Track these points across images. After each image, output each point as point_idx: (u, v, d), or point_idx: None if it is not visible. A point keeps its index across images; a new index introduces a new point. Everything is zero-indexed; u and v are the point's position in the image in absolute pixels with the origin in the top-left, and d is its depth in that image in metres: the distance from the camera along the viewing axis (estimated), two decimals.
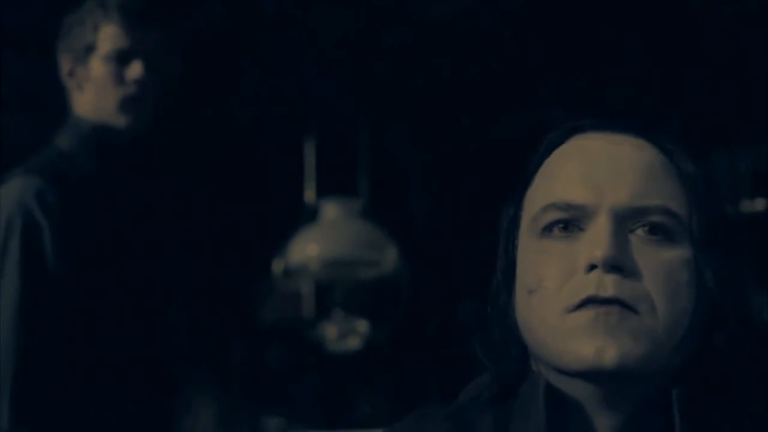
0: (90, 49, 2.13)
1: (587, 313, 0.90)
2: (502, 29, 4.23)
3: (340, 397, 4.44)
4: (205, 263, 3.79)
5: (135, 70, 2.10)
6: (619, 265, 0.90)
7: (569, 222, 0.94)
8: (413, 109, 4.40)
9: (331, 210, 3.56)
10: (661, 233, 0.92)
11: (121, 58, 2.12)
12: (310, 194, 3.68)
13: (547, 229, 0.95)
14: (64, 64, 2.17)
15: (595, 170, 0.95)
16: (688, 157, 0.96)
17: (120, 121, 2.11)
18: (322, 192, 3.69)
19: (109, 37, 2.12)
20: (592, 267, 0.91)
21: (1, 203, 2.04)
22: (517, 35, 4.25)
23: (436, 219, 4.58)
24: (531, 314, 0.95)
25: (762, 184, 3.60)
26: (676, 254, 0.92)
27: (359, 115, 4.03)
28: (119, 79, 2.11)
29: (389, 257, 3.55)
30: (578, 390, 0.93)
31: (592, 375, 0.90)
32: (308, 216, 3.55)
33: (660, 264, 0.91)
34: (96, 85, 2.12)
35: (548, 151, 1.01)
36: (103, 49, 2.12)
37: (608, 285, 0.90)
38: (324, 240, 3.45)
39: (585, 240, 0.93)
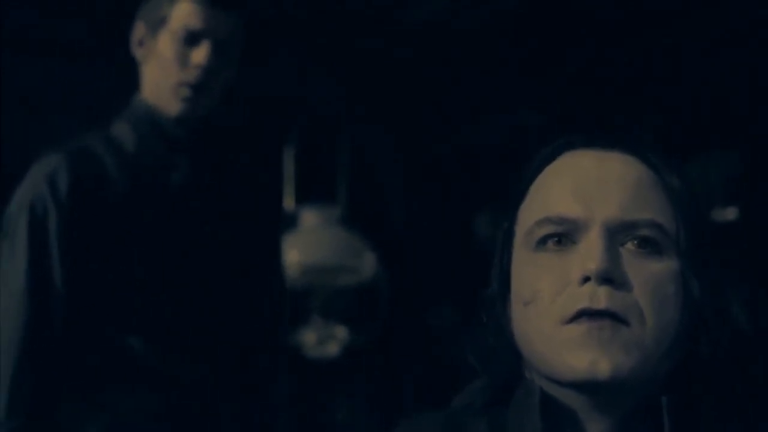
0: (162, 22, 2.00)
1: (581, 327, 0.94)
2: (478, 35, 4.28)
3: (317, 402, 4.47)
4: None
5: (201, 54, 1.97)
6: (611, 277, 0.94)
7: (563, 235, 0.98)
8: (391, 115, 4.44)
9: (310, 217, 3.59)
10: (649, 246, 0.97)
11: (190, 39, 1.98)
12: (289, 201, 3.71)
13: (541, 242, 0.99)
14: (137, 31, 2.05)
15: (586, 186, 0.99)
16: (674, 173, 1.01)
17: (171, 107, 2.00)
18: (302, 199, 3.72)
19: (182, 13, 1.99)
20: (586, 279, 0.95)
21: (23, 181, 1.98)
22: (493, 41, 4.30)
23: (413, 225, 4.61)
24: (527, 325, 0.98)
25: (734, 192, 3.66)
26: (663, 266, 0.96)
27: (338, 123, 4.06)
28: (183, 60, 1.98)
29: (368, 264, 3.59)
30: (571, 398, 0.97)
31: (585, 386, 0.95)
32: (288, 223, 3.57)
33: (649, 276, 0.96)
34: (161, 62, 2.00)
35: (541, 167, 1.05)
36: (173, 25, 1.99)
37: (601, 297, 0.94)
38: (303, 247, 3.48)
39: (578, 253, 0.97)
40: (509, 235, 1.05)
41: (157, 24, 2.00)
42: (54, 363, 1.93)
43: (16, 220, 1.96)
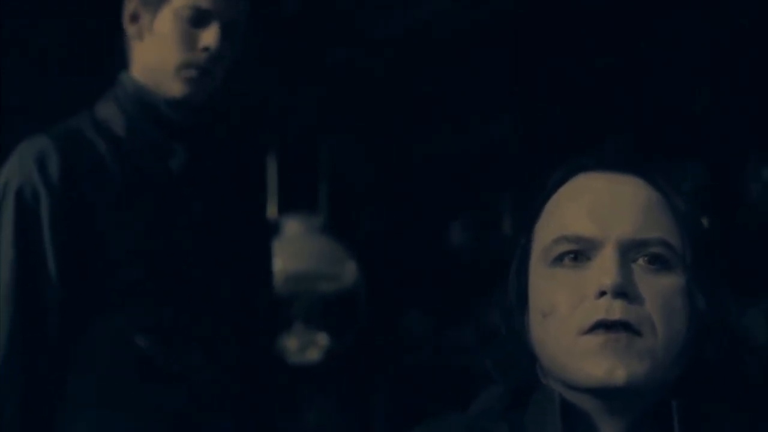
0: None
1: (598, 338, 1.02)
2: (451, 46, 4.36)
3: (292, 407, 4.53)
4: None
5: (210, 36, 1.84)
6: (625, 291, 1.03)
7: (578, 253, 1.06)
8: (367, 125, 4.51)
9: (292, 226, 3.67)
10: (659, 263, 1.05)
11: (197, 19, 1.85)
12: (272, 211, 3.77)
13: (558, 258, 1.07)
14: (130, 4, 1.90)
15: (600, 206, 1.07)
16: (680, 195, 1.10)
17: (174, 88, 1.86)
18: (284, 208, 3.79)
19: None
20: (602, 293, 1.03)
21: (7, 163, 1.85)
22: (466, 52, 4.38)
23: (389, 233, 4.68)
24: (546, 335, 1.07)
25: (704, 202, 3.75)
26: (671, 281, 1.05)
27: (318, 133, 4.14)
28: (189, 42, 1.85)
29: (348, 271, 3.67)
30: (587, 402, 1.06)
31: (601, 391, 1.03)
32: (271, 231, 3.64)
33: (659, 290, 1.04)
34: (159, 40, 1.86)
35: (555, 187, 1.13)
36: (178, 2, 1.85)
37: (616, 309, 1.02)
38: (285, 255, 3.54)
39: (593, 269, 1.05)
40: (526, 250, 1.13)
41: (157, 0, 1.86)
42: (48, 364, 1.80)
43: (0, 207, 1.82)
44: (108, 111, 1.90)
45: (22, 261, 1.79)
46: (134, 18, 1.89)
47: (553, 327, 1.06)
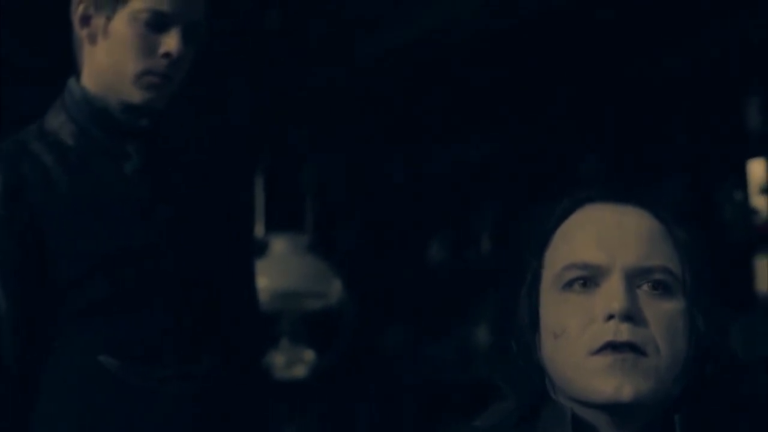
0: (120, 0, 1.76)
1: (606, 357, 1.11)
2: (433, 69, 4.44)
3: (276, 423, 4.57)
4: None
5: (171, 41, 1.76)
6: (631, 315, 1.12)
7: (587, 279, 1.15)
8: (350, 145, 4.59)
9: (279, 244, 3.73)
10: (661, 288, 1.15)
11: (157, 23, 1.76)
12: (259, 229, 3.84)
13: (569, 284, 1.16)
14: (79, 6, 1.80)
15: (607, 235, 1.16)
16: (680, 224, 1.19)
17: (132, 95, 1.77)
18: (271, 227, 3.85)
19: None
20: (610, 317, 1.12)
21: None
22: (448, 75, 4.46)
23: (374, 252, 4.76)
24: (557, 354, 1.15)
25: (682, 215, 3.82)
26: (673, 305, 1.15)
27: (304, 152, 4.21)
28: (148, 47, 1.76)
29: (334, 289, 3.74)
30: (596, 417, 1.14)
31: (609, 407, 1.12)
32: (258, 250, 3.70)
33: (662, 313, 1.13)
34: (116, 45, 1.77)
35: (564, 216, 1.22)
36: (136, 5, 1.75)
37: (624, 331, 1.11)
38: (272, 273, 3.60)
39: (601, 294, 1.14)
40: (537, 275, 1.21)
41: (113, 1, 1.76)
42: (10, 396, 1.72)
43: None
44: (56, 120, 1.81)
45: None
46: (85, 20, 1.79)
47: (564, 347, 1.14)
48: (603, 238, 1.16)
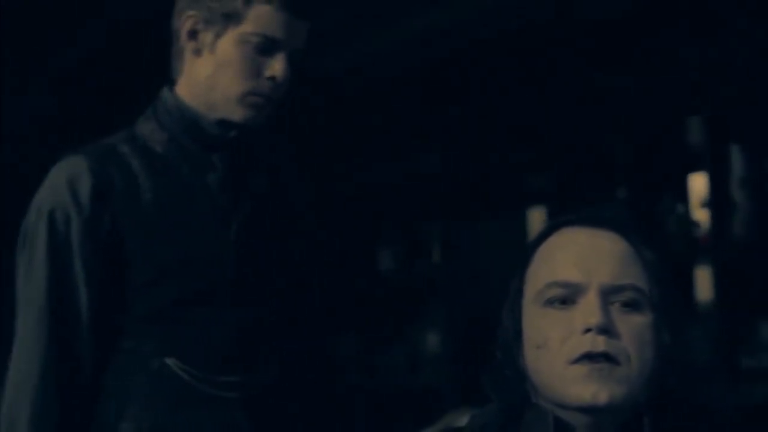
0: (231, 19, 1.81)
1: (584, 367, 1.25)
2: (387, 85, 4.56)
3: None
4: None
5: (277, 66, 1.81)
6: (606, 329, 1.26)
7: (567, 296, 1.29)
8: (305, 156, 4.68)
9: None
10: (632, 305, 1.29)
11: (265, 48, 1.82)
12: None
13: (549, 301, 1.30)
14: (188, 21, 1.84)
15: (584, 257, 1.30)
16: (648, 246, 1.33)
17: (236, 114, 1.83)
18: None
19: (260, 17, 1.81)
20: (587, 330, 1.26)
21: (41, 187, 1.82)
22: (399, 91, 4.59)
23: (326, 260, 4.85)
24: (539, 364, 1.29)
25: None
26: (642, 320, 1.29)
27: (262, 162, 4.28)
28: (255, 69, 1.82)
29: None
30: (575, 418, 1.28)
31: (587, 410, 1.26)
32: None
33: (632, 327, 1.28)
34: (222, 63, 1.83)
35: (543, 238, 1.36)
36: (248, 28, 1.81)
37: (600, 343, 1.25)
38: None
39: (579, 309, 1.28)
40: (519, 292, 1.35)
41: (224, 20, 1.81)
42: (82, 394, 1.78)
43: (34, 230, 1.79)
44: (147, 126, 1.88)
45: (54, 287, 1.77)
46: (193, 35, 1.85)
47: (545, 357, 1.28)
48: (581, 259, 1.30)
